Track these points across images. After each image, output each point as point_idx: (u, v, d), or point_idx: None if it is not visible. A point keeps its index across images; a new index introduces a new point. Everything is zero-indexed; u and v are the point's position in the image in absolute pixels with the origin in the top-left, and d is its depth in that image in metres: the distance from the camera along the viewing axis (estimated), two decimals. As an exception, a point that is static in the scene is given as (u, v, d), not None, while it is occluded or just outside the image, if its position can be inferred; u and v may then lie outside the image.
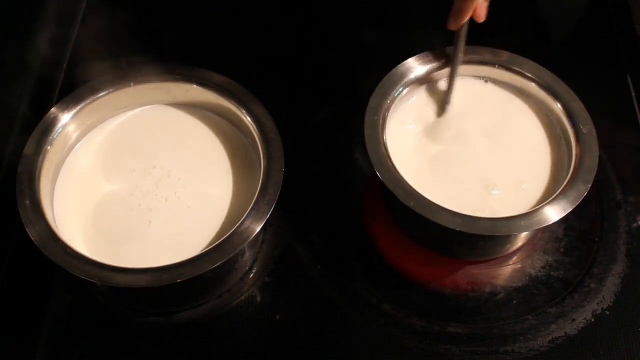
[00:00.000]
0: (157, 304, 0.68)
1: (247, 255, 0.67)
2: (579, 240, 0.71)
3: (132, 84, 0.69)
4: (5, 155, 0.71)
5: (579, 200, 0.61)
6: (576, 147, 0.65)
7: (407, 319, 0.67)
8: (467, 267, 0.69)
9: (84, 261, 0.58)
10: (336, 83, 0.83)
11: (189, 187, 0.66)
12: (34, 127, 0.65)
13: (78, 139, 0.68)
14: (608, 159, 0.76)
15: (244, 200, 0.65)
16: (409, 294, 0.68)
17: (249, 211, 0.61)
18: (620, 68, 0.84)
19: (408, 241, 0.70)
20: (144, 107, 0.71)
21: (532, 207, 0.63)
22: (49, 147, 0.64)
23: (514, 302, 0.68)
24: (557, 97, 0.68)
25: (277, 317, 0.66)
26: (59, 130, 0.66)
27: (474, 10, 0.65)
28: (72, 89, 0.68)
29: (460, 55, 0.69)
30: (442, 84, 0.72)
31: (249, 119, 0.67)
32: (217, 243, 0.59)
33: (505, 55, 0.71)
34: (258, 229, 0.60)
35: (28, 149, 0.64)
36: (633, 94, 0.81)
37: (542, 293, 0.68)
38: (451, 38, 0.75)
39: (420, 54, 0.71)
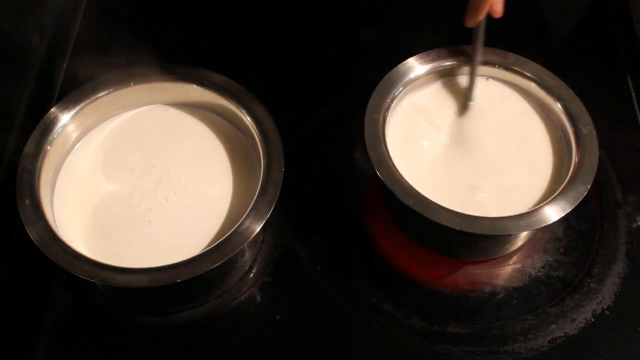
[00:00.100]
0: (157, 304, 0.68)
1: (247, 255, 0.67)
2: (579, 240, 0.71)
3: (132, 84, 0.69)
4: (5, 155, 0.71)
5: (579, 201, 0.61)
6: (576, 147, 0.65)
7: (407, 319, 0.67)
8: (467, 267, 0.69)
9: (84, 261, 0.58)
10: (336, 83, 0.83)
11: (189, 187, 0.66)
12: (34, 127, 0.65)
13: (78, 139, 0.68)
14: (608, 159, 0.76)
15: (244, 200, 0.65)
16: (409, 294, 0.68)
17: (249, 211, 0.61)
18: (620, 68, 0.84)
19: (408, 241, 0.70)
20: (144, 107, 0.71)
21: (532, 207, 0.63)
22: (49, 147, 0.64)
23: (514, 302, 0.68)
24: (557, 97, 0.68)
25: (277, 317, 0.66)
26: (59, 130, 0.66)
27: (490, 7, 0.65)
28: (72, 89, 0.68)
29: (480, 52, 0.69)
30: (443, 84, 0.72)
31: (249, 119, 0.67)
32: (217, 243, 0.59)
33: (505, 55, 0.71)
34: (258, 229, 0.60)
35: (28, 149, 0.64)
36: (633, 94, 0.81)
37: (542, 293, 0.68)
38: (450, 38, 0.75)
39: (420, 54, 0.71)
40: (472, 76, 0.70)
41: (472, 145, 0.68)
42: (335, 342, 0.65)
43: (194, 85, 0.69)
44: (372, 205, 0.74)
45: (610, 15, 0.89)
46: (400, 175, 0.63)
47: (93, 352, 0.65)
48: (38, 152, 0.64)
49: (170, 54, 0.78)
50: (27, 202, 0.61)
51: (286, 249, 0.70)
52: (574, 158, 0.64)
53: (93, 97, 0.68)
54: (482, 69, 0.71)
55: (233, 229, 0.60)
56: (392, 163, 0.63)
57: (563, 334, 0.66)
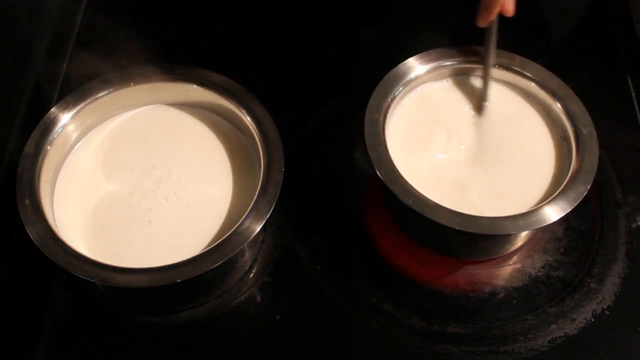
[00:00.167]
0: (157, 304, 0.68)
1: (247, 255, 0.67)
2: (579, 240, 0.71)
3: (132, 84, 0.69)
4: (5, 155, 0.71)
5: (578, 201, 0.61)
6: (576, 147, 0.65)
7: (407, 319, 0.67)
8: (467, 267, 0.69)
9: (84, 261, 0.58)
10: (336, 83, 0.83)
11: (189, 187, 0.66)
12: (34, 127, 0.65)
13: (78, 139, 0.68)
14: (608, 159, 0.76)
15: (244, 200, 0.65)
16: (409, 294, 0.68)
17: (249, 211, 0.61)
18: (620, 68, 0.84)
19: (408, 241, 0.70)
20: (144, 107, 0.71)
21: (532, 207, 0.63)
22: (49, 147, 0.64)
23: (514, 302, 0.68)
24: (557, 97, 0.68)
25: (277, 317, 0.66)
26: (59, 130, 0.66)
27: (502, 6, 0.65)
28: (72, 89, 0.68)
29: (493, 53, 0.69)
30: (443, 84, 0.72)
31: (249, 119, 0.67)
32: (217, 243, 0.59)
33: (505, 55, 0.71)
34: (258, 229, 0.60)
35: (28, 149, 0.64)
36: (633, 94, 0.81)
37: (542, 293, 0.68)
38: (450, 38, 0.75)
39: (420, 54, 0.71)
40: (485, 77, 0.70)
41: (472, 145, 0.68)
42: (335, 342, 0.65)
43: (194, 85, 0.69)
44: (372, 205, 0.74)
45: (610, 15, 0.89)
46: (400, 175, 0.63)
47: (93, 352, 0.65)
48: (38, 152, 0.64)
49: (170, 54, 0.78)
50: (27, 202, 0.61)
51: (286, 249, 0.70)
52: (574, 158, 0.64)
53: (93, 97, 0.68)
54: (481, 70, 0.71)
55: (233, 229, 0.60)
56: (392, 163, 0.63)
57: (563, 334, 0.66)
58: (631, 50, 0.84)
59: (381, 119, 0.66)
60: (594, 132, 0.65)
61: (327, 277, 0.69)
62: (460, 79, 0.72)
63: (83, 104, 0.67)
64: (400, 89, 0.69)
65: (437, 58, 0.71)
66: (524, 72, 0.70)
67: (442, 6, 0.90)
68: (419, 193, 0.62)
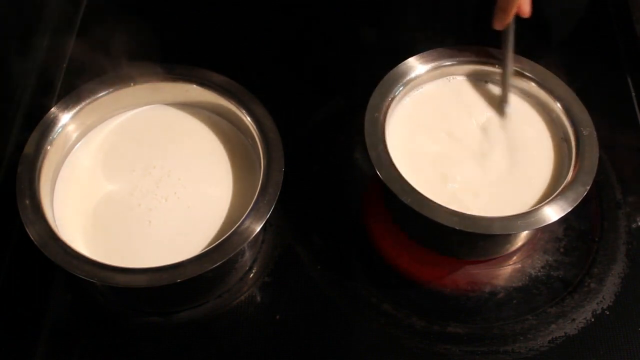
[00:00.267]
0: (157, 304, 0.68)
1: (247, 255, 0.67)
2: (579, 240, 0.71)
3: (132, 84, 0.69)
4: (5, 155, 0.71)
5: (577, 202, 0.61)
6: (576, 148, 0.65)
7: (407, 319, 0.67)
8: (467, 267, 0.69)
9: (84, 261, 0.58)
10: (336, 83, 0.83)
11: (189, 187, 0.66)
12: (34, 127, 0.65)
13: (78, 139, 0.68)
14: (608, 159, 0.76)
15: (244, 200, 0.65)
16: (409, 294, 0.68)
17: (249, 211, 0.61)
18: (620, 68, 0.84)
19: (408, 241, 0.70)
20: (144, 107, 0.71)
21: (532, 207, 0.63)
22: (49, 147, 0.64)
23: (514, 302, 0.68)
24: (557, 97, 0.68)
25: (277, 317, 0.66)
26: (59, 130, 0.66)
27: (518, 7, 0.64)
28: (72, 89, 0.68)
29: (511, 54, 0.68)
30: (443, 84, 0.72)
31: (249, 119, 0.67)
32: (217, 243, 0.59)
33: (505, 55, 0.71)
34: (258, 229, 0.60)
35: (28, 149, 0.64)
36: (633, 94, 0.81)
37: (542, 293, 0.68)
38: (450, 38, 0.75)
39: (420, 54, 0.71)
40: (505, 80, 0.69)
41: (472, 145, 0.68)
42: (335, 342, 0.65)
43: (194, 85, 0.69)
44: (372, 205, 0.74)
45: (610, 15, 0.89)
46: (400, 175, 0.63)
47: (93, 352, 0.65)
48: (38, 152, 0.64)
49: (170, 54, 0.78)
50: (27, 202, 0.61)
51: (286, 249, 0.70)
52: (574, 159, 0.64)
53: (93, 97, 0.68)
54: (481, 70, 0.71)
55: (233, 229, 0.60)
56: (392, 162, 0.63)
57: (563, 334, 0.66)
58: (631, 50, 0.84)
59: (381, 118, 0.66)
60: (594, 133, 0.65)
61: (327, 277, 0.69)
62: (460, 78, 0.72)
63: (83, 104, 0.67)
64: (400, 88, 0.69)
65: (437, 58, 0.71)
66: (524, 72, 0.70)
67: (442, 6, 0.90)
68: (419, 193, 0.62)
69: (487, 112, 0.71)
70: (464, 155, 0.68)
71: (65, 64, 0.83)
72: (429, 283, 0.69)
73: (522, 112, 0.70)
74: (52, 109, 0.66)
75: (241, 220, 0.60)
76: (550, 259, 0.70)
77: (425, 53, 0.71)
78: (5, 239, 0.69)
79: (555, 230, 0.71)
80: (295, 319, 0.66)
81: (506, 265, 0.70)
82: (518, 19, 0.66)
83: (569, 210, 0.61)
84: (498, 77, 0.71)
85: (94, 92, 0.68)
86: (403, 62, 0.70)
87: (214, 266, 0.58)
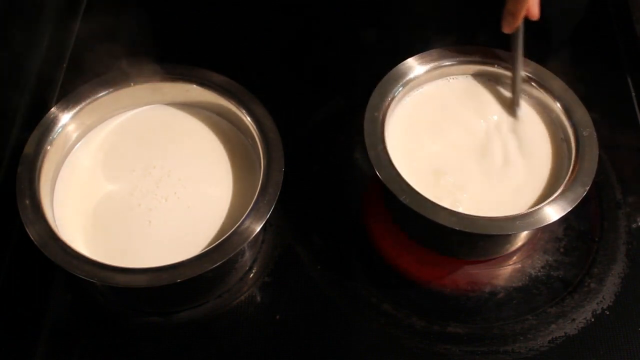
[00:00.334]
0: (157, 304, 0.68)
1: (247, 255, 0.67)
2: (579, 240, 0.71)
3: (132, 84, 0.69)
4: (5, 155, 0.71)
5: (577, 203, 0.61)
6: (576, 149, 0.65)
7: (407, 319, 0.67)
8: (467, 267, 0.69)
9: (84, 261, 0.58)
10: (336, 83, 0.83)
11: (189, 187, 0.66)
12: (34, 127, 0.65)
13: (78, 139, 0.69)
14: (608, 159, 0.76)
15: (244, 200, 0.65)
16: (409, 294, 0.68)
17: (249, 211, 0.61)
18: (620, 68, 0.84)
19: (408, 241, 0.70)
20: (144, 107, 0.71)
21: (531, 208, 0.63)
22: (49, 147, 0.64)
23: (514, 302, 0.68)
24: (557, 97, 0.68)
25: (277, 317, 0.66)
26: (59, 130, 0.66)
27: (527, 10, 0.64)
28: (72, 89, 0.68)
29: (521, 58, 0.68)
30: (442, 84, 0.72)
31: (249, 119, 0.67)
32: (217, 243, 0.59)
33: (505, 55, 0.71)
34: (258, 229, 0.60)
35: (28, 149, 0.64)
36: (633, 94, 0.81)
37: (542, 293, 0.68)
38: (450, 38, 0.75)
39: (420, 54, 0.71)
40: (515, 83, 0.69)
41: (472, 145, 0.68)
42: (335, 342, 0.65)
43: (194, 85, 0.69)
44: (372, 205, 0.74)
45: (610, 15, 0.89)
46: (399, 174, 0.63)
47: (93, 352, 0.65)
48: (38, 152, 0.64)
49: (170, 54, 0.78)
50: (27, 202, 0.61)
51: (286, 249, 0.70)
52: (574, 160, 0.64)
53: (93, 97, 0.68)
54: (481, 70, 0.71)
55: (233, 229, 0.60)
56: (391, 162, 0.63)
57: (563, 334, 0.66)
58: (631, 50, 0.84)
59: (381, 117, 0.66)
60: (594, 134, 0.65)
61: (327, 277, 0.69)
62: (460, 78, 0.72)
63: (83, 104, 0.67)
64: (400, 89, 0.69)
65: (437, 58, 0.71)
66: (524, 72, 0.70)
67: (442, 6, 0.90)
68: (418, 192, 0.62)
69: (487, 112, 0.71)
70: (464, 155, 0.68)
71: (65, 64, 0.83)
72: (429, 283, 0.69)
73: (522, 112, 0.70)
74: (52, 109, 0.66)
75: (241, 220, 0.60)
76: (550, 259, 0.70)
77: (425, 53, 0.71)
78: (5, 239, 0.69)
79: (555, 230, 0.71)
80: (295, 319, 0.66)
81: (506, 265, 0.70)
82: (526, 21, 0.66)
83: (568, 211, 0.61)
84: (498, 77, 0.71)
85: (94, 92, 0.68)
86: (403, 62, 0.70)
87: (214, 266, 0.58)
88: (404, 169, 0.64)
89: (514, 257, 0.70)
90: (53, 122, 0.66)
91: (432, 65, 0.70)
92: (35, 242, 0.58)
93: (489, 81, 0.72)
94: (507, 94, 0.72)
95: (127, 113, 0.71)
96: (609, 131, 0.76)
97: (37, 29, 0.80)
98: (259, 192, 0.62)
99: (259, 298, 0.68)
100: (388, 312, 0.67)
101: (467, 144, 0.68)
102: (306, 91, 0.82)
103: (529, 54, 0.71)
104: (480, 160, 0.67)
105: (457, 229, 0.60)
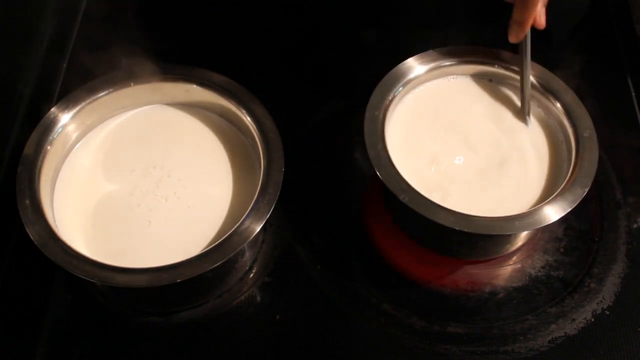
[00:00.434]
0: (157, 304, 0.68)
1: (247, 255, 0.67)
2: (579, 240, 0.71)
3: (132, 84, 0.69)
4: (5, 155, 0.71)
5: (576, 204, 0.61)
6: (576, 150, 0.65)
7: (407, 319, 0.67)
8: (467, 267, 0.69)
9: (84, 261, 0.58)
10: (336, 83, 0.83)
11: (189, 187, 0.66)
12: (34, 127, 0.65)
13: (78, 139, 0.69)
14: (608, 159, 0.76)
15: (244, 200, 0.65)
16: (409, 294, 0.68)
17: (249, 211, 0.61)
18: (620, 68, 0.84)
19: (408, 241, 0.70)
20: (144, 107, 0.71)
21: (530, 208, 0.63)
22: (49, 147, 0.64)
23: (514, 302, 0.68)
24: (557, 98, 0.68)
25: (277, 317, 0.66)
26: (59, 130, 0.66)
27: (534, 19, 0.64)
28: (72, 89, 0.68)
29: (529, 66, 0.68)
30: (443, 84, 0.72)
31: (249, 119, 0.67)
32: (217, 243, 0.59)
33: (505, 55, 0.71)
34: (258, 229, 0.60)
35: (28, 149, 0.64)
36: (633, 94, 0.81)
37: (542, 293, 0.68)
38: (451, 38, 0.75)
39: (420, 54, 0.71)
40: (524, 92, 0.68)
41: (472, 145, 0.68)
42: (335, 342, 0.65)
43: (194, 85, 0.69)
44: (372, 205, 0.74)
45: (610, 15, 0.89)
46: (398, 173, 0.63)
47: (93, 352, 0.65)
48: (38, 152, 0.64)
49: (170, 54, 0.78)
50: (27, 202, 0.61)
51: (286, 249, 0.70)
52: (574, 161, 0.64)
53: (93, 97, 0.68)
54: (481, 70, 0.71)
55: (233, 229, 0.60)
56: (391, 161, 0.63)
57: (563, 334, 0.66)
58: (631, 50, 0.84)
59: (381, 116, 0.66)
60: (595, 135, 0.65)
61: (327, 277, 0.69)
62: (460, 78, 0.72)
63: (83, 104, 0.67)
64: (400, 88, 0.69)
65: (437, 58, 0.71)
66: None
67: (442, 6, 0.90)
68: (417, 192, 0.62)
69: (487, 112, 0.71)
70: (464, 155, 0.68)
71: (65, 64, 0.83)
72: (429, 283, 0.69)
73: (522, 112, 0.70)
74: (52, 109, 0.66)
75: (241, 220, 0.60)
76: (550, 259, 0.70)
77: (425, 53, 0.71)
78: (5, 239, 0.69)
79: (555, 230, 0.71)
80: (295, 319, 0.66)
81: (506, 265, 0.70)
82: (533, 30, 0.66)
83: (568, 211, 0.61)
84: (498, 77, 0.72)
85: (94, 92, 0.68)
86: (403, 62, 0.70)
87: (214, 266, 0.58)
88: (403, 169, 0.64)
89: (514, 257, 0.70)
90: (53, 122, 0.66)
91: (432, 65, 0.70)
92: (35, 242, 0.58)
93: (489, 81, 0.72)
94: (507, 93, 0.72)
95: (127, 113, 0.71)
96: (609, 131, 0.76)
97: (37, 29, 0.80)
98: (259, 192, 0.62)
99: (259, 298, 0.68)
100: (388, 312, 0.67)
101: (467, 144, 0.68)
102: (306, 91, 0.82)
103: (530, 54, 0.71)
104: (480, 160, 0.67)
105: (456, 229, 0.60)
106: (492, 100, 0.71)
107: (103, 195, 0.66)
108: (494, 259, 0.70)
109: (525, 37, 0.66)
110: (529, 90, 0.69)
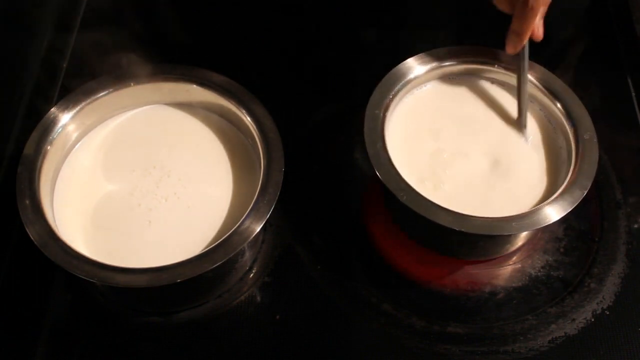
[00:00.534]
0: (157, 304, 0.68)
1: (247, 255, 0.67)
2: (579, 240, 0.71)
3: (132, 84, 0.69)
4: (5, 155, 0.71)
5: (575, 205, 0.61)
6: (576, 152, 0.65)
7: (407, 319, 0.67)
8: (467, 267, 0.69)
9: (84, 261, 0.58)
10: (336, 83, 0.83)
11: (189, 187, 0.66)
12: (34, 127, 0.65)
13: (78, 139, 0.68)
14: (608, 159, 0.76)
15: (244, 200, 0.65)
16: (409, 294, 0.68)
17: (249, 211, 0.61)
18: (620, 68, 0.84)
19: (408, 241, 0.70)
20: (144, 107, 0.71)
21: (530, 209, 0.63)
22: (49, 147, 0.64)
23: (514, 302, 0.68)
24: (558, 99, 0.68)
25: (277, 317, 0.67)
26: (59, 130, 0.66)
27: (532, 31, 0.63)
28: (72, 89, 0.68)
29: (526, 78, 0.67)
30: (443, 84, 0.72)
31: (249, 119, 0.67)
32: (217, 243, 0.59)
33: (505, 55, 0.71)
34: (258, 229, 0.60)
35: (28, 149, 0.64)
36: (633, 94, 0.81)
37: (542, 293, 0.68)
38: (450, 38, 0.75)
39: (420, 54, 0.71)
40: (521, 105, 0.68)
41: (472, 145, 0.68)
42: (335, 342, 0.65)
43: (194, 85, 0.69)
44: (372, 205, 0.74)
45: (610, 15, 0.89)
46: (396, 169, 0.63)
47: (93, 352, 0.65)
48: (38, 152, 0.64)
49: (170, 54, 0.78)
50: (27, 202, 0.61)
51: (286, 249, 0.70)
52: (573, 162, 0.64)
53: (93, 97, 0.68)
54: (481, 70, 0.71)
55: (233, 229, 0.60)
56: (390, 160, 0.63)
57: (563, 334, 0.66)
58: (631, 50, 0.84)
59: (381, 115, 0.66)
60: (595, 137, 0.65)
61: (327, 277, 0.69)
62: (460, 78, 0.72)
63: (83, 104, 0.67)
64: (400, 88, 0.69)
65: (437, 58, 0.71)
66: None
67: (442, 6, 0.90)
68: (416, 191, 0.62)
69: (487, 112, 0.71)
70: (464, 155, 0.68)
71: (65, 64, 0.83)
72: (429, 283, 0.69)
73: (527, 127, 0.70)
74: (52, 109, 0.66)
75: (241, 220, 0.60)
76: (550, 259, 0.70)
77: (425, 53, 0.71)
78: (5, 239, 0.69)
79: (555, 230, 0.71)
80: (295, 319, 0.66)
81: (506, 265, 0.70)
82: (530, 42, 0.66)
83: (568, 211, 0.61)
84: (498, 77, 0.71)
85: (94, 92, 0.68)
86: (403, 62, 0.70)
87: (214, 266, 0.58)
88: (403, 168, 0.64)
89: (514, 257, 0.70)
90: (53, 122, 0.66)
91: (432, 65, 0.70)
92: (35, 242, 0.58)
93: (489, 81, 0.72)
94: (508, 94, 0.72)
95: (127, 113, 0.71)
96: (609, 131, 0.76)
97: (37, 29, 0.80)
98: (259, 192, 0.62)
99: (259, 298, 0.68)
100: (388, 312, 0.67)
101: (468, 144, 0.68)
102: (306, 91, 0.82)
103: (530, 54, 0.71)
104: (480, 160, 0.67)
105: (456, 229, 0.60)
106: (492, 100, 0.71)
107: (103, 195, 0.66)
108: (494, 259, 0.70)
109: (523, 48, 0.66)
110: (526, 101, 0.68)
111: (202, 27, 0.88)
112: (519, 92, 0.69)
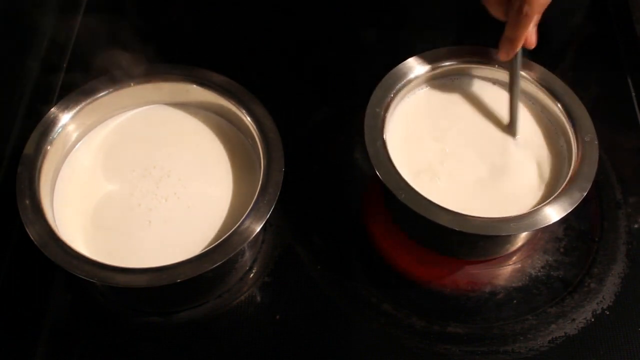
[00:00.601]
0: (157, 304, 0.68)
1: (247, 255, 0.67)
2: (579, 240, 0.71)
3: (132, 84, 0.69)
4: (5, 155, 0.71)
5: (574, 206, 0.61)
6: (576, 153, 0.65)
7: (407, 319, 0.67)
8: (467, 267, 0.69)
9: (84, 261, 0.58)
10: (336, 83, 0.83)
11: (189, 187, 0.66)
12: (34, 127, 0.65)
13: (78, 139, 0.69)
14: (608, 159, 0.76)
15: (244, 200, 0.65)
16: (409, 294, 0.68)
17: (249, 211, 0.61)
18: (620, 68, 0.84)
19: (408, 241, 0.70)
20: (144, 107, 0.71)
21: (530, 209, 0.63)
22: (49, 147, 0.64)
23: (514, 302, 0.68)
24: (557, 98, 0.68)
25: (277, 317, 0.67)
26: (59, 130, 0.66)
27: (525, 38, 0.63)
28: (72, 89, 0.68)
29: (518, 85, 0.67)
30: (443, 84, 0.72)
31: (249, 119, 0.67)
32: (217, 243, 0.59)
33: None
34: (258, 229, 0.60)
35: (28, 149, 0.64)
36: (633, 95, 0.81)
37: (542, 293, 0.68)
38: (450, 38, 0.75)
39: (420, 54, 0.71)
40: (512, 111, 0.68)
41: (472, 145, 0.68)
42: (335, 342, 0.65)
43: (194, 85, 0.69)
44: (372, 205, 0.74)
45: (610, 15, 0.89)
46: (397, 172, 0.63)
47: (93, 352, 0.65)
48: (38, 152, 0.64)
49: (170, 54, 0.78)
50: (27, 202, 0.61)
51: (286, 249, 0.70)
52: (574, 161, 0.64)
53: (93, 97, 0.68)
54: (481, 70, 0.71)
55: (233, 229, 0.60)
56: (390, 159, 0.63)
57: (563, 334, 0.66)
58: (631, 50, 0.84)
59: (382, 113, 0.66)
60: (595, 137, 0.65)
61: (327, 277, 0.69)
62: (460, 79, 0.72)
63: (83, 104, 0.67)
64: (401, 88, 0.69)
65: (437, 58, 0.71)
66: (524, 73, 0.70)
67: (442, 6, 0.90)
68: (415, 191, 0.62)
69: (487, 112, 0.71)
70: (464, 155, 0.68)
71: (65, 64, 0.83)
72: (429, 283, 0.69)
73: (522, 112, 0.70)
74: (52, 109, 0.66)
75: (241, 220, 0.60)
76: (550, 259, 0.70)
77: (425, 53, 0.71)
78: (5, 239, 0.69)
79: (555, 230, 0.71)
80: (295, 319, 0.66)
81: (506, 265, 0.70)
82: (523, 49, 0.66)
83: (568, 212, 0.61)
84: (498, 77, 0.71)
85: (94, 92, 0.68)
86: (403, 62, 0.70)
87: (214, 266, 0.58)
88: (403, 168, 0.64)
89: (514, 257, 0.70)
90: (53, 122, 0.66)
91: (432, 65, 0.70)
92: (35, 242, 0.58)
93: (488, 81, 0.72)
94: (508, 94, 0.72)
95: (127, 113, 0.71)
96: (609, 131, 0.76)
97: (37, 29, 0.80)
98: (259, 192, 0.62)
99: (259, 298, 0.68)
100: (388, 312, 0.67)
101: (468, 144, 0.68)
102: (306, 91, 0.82)
103: (529, 54, 0.71)
104: (481, 160, 0.67)
105: (456, 229, 0.60)
106: (492, 100, 0.71)
107: (103, 195, 0.66)
108: (494, 259, 0.70)
109: (516, 55, 0.65)
110: (517, 108, 0.68)
111: (202, 27, 0.88)
112: (510, 99, 0.68)
